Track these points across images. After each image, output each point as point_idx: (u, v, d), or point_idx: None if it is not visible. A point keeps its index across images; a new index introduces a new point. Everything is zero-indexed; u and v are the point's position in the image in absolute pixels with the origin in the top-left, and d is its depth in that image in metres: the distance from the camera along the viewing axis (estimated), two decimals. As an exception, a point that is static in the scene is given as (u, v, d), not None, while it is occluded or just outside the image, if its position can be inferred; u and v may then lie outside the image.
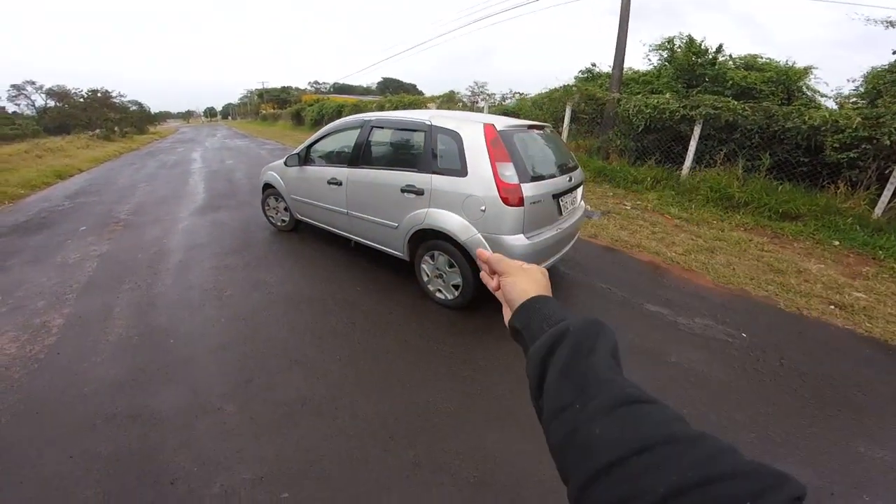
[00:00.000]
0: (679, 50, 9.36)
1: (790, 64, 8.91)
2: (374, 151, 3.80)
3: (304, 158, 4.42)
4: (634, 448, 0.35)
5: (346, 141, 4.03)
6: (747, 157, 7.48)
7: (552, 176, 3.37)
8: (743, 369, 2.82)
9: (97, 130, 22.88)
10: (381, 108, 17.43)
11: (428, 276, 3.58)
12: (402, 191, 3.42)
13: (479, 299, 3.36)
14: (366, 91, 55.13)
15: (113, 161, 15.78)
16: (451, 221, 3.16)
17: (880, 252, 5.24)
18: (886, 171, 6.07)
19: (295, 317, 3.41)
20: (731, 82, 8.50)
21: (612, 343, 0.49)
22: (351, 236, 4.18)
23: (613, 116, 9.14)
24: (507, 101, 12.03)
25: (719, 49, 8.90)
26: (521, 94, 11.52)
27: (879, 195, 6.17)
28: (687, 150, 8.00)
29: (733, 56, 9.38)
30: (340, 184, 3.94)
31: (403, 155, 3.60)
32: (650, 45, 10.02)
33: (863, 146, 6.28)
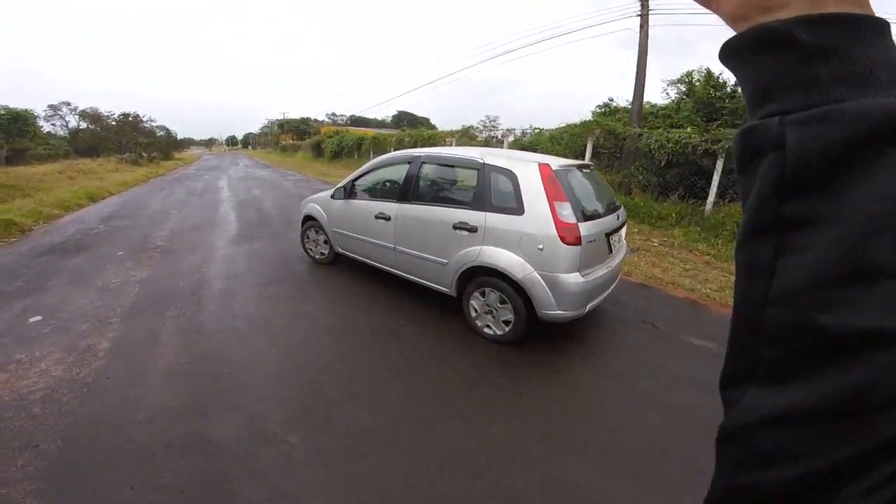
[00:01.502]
0: (698, 83, 9.48)
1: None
2: (424, 187, 3.80)
3: (349, 192, 4.43)
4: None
5: (395, 176, 4.05)
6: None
7: (602, 215, 3.37)
8: None
9: (126, 154, 23.47)
10: (401, 141, 17.80)
11: (476, 311, 3.51)
12: (455, 227, 3.41)
13: (528, 335, 3.31)
14: (381, 124, 56.61)
15: (142, 186, 16.11)
16: (507, 259, 3.14)
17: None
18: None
19: (345, 348, 3.32)
20: (752, 119, 8.50)
21: None
22: (396, 272, 4.13)
23: (634, 151, 9.20)
24: (525, 137, 12.23)
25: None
26: (538, 130, 11.68)
27: None
28: (710, 184, 7.96)
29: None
30: (389, 219, 3.93)
31: (455, 192, 3.62)
32: (668, 81, 10.20)
33: None
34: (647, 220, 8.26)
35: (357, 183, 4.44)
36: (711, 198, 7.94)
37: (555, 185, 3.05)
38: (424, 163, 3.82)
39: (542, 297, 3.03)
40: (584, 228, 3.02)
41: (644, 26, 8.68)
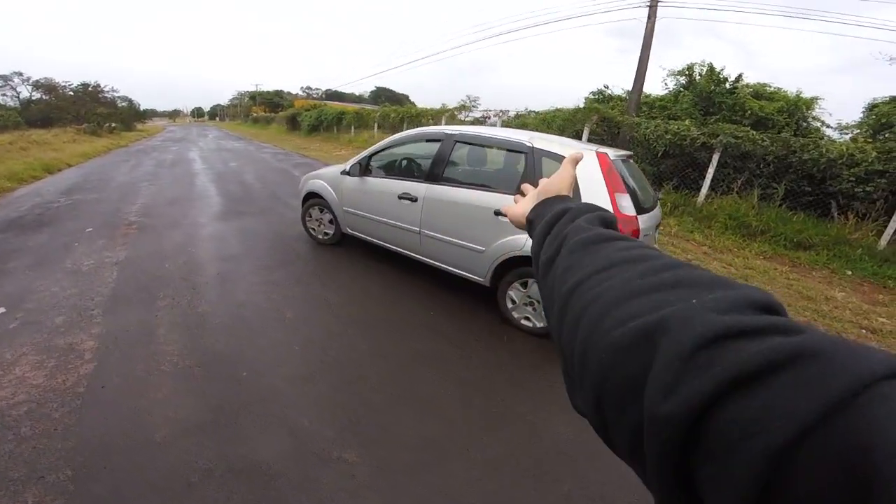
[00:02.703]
0: (700, 77, 9.32)
1: (798, 94, 8.97)
2: (460, 168, 3.42)
3: (365, 169, 3.91)
4: (598, 268, 0.34)
5: (422, 154, 3.60)
6: (760, 185, 7.47)
7: (651, 208, 3.17)
8: None
9: (84, 125, 21.34)
10: (386, 117, 16.94)
11: (514, 303, 3.19)
12: (497, 213, 3.05)
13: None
14: (358, 99, 54.07)
15: (102, 157, 14.65)
16: None
17: (889, 282, 5.36)
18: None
19: (377, 343, 2.91)
20: (749, 112, 8.49)
21: (610, 216, 0.48)
22: (419, 257, 3.70)
23: (629, 140, 9.01)
24: (511, 116, 11.80)
25: (738, 78, 8.92)
26: (532, 112, 11.28)
27: (885, 228, 6.23)
28: (703, 176, 7.91)
29: (748, 85, 9.40)
30: (415, 200, 3.48)
31: (497, 175, 3.27)
32: (669, 71, 9.99)
33: (877, 180, 6.32)
34: (644, 207, 8.14)
35: (374, 159, 3.93)
36: (704, 189, 7.89)
37: (614, 176, 2.82)
38: (459, 142, 3.39)
39: None
40: (642, 221, 2.85)
41: (651, 17, 8.36)
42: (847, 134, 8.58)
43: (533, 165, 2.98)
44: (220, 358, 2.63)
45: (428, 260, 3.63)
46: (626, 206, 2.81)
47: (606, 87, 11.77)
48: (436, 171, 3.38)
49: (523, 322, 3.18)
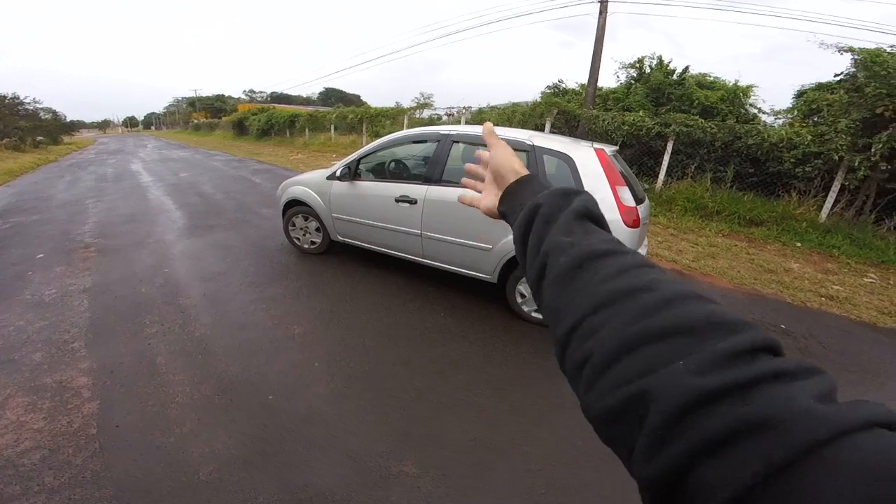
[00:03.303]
0: (650, 69, 9.79)
1: (736, 83, 9.65)
2: (458, 168, 3.37)
3: (354, 173, 3.79)
4: (588, 309, 0.34)
5: (417, 155, 3.53)
6: (711, 170, 8.02)
7: (643, 198, 3.38)
8: (800, 352, 3.15)
9: (5, 140, 19.17)
10: (344, 118, 16.51)
11: (524, 296, 3.25)
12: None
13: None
14: (306, 101, 52.12)
15: (32, 174, 13.24)
16: None
17: (834, 251, 5.99)
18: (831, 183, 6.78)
19: (397, 352, 2.85)
20: (696, 101, 9.04)
21: (581, 206, 0.44)
22: (420, 260, 3.65)
23: (587, 132, 9.35)
24: (474, 111, 11.90)
25: (685, 70, 9.45)
26: (493, 108, 11.41)
27: (823, 202, 6.91)
28: (660, 163, 8.37)
29: (692, 76, 9.98)
30: (414, 202, 3.42)
31: None
32: (620, 63, 10.41)
33: (814, 161, 6.94)
34: (610, 194, 8.48)
35: (363, 162, 3.81)
36: (662, 176, 8.36)
37: (612, 170, 2.95)
38: (456, 142, 3.37)
39: None
40: (641, 211, 3.01)
41: (603, 13, 8.67)
42: (780, 119, 9.35)
43: (535, 163, 3.03)
44: (238, 383, 2.46)
45: (430, 262, 3.59)
46: (627, 198, 2.95)
47: (561, 82, 12.16)
48: (435, 173, 3.34)
49: (534, 314, 3.23)
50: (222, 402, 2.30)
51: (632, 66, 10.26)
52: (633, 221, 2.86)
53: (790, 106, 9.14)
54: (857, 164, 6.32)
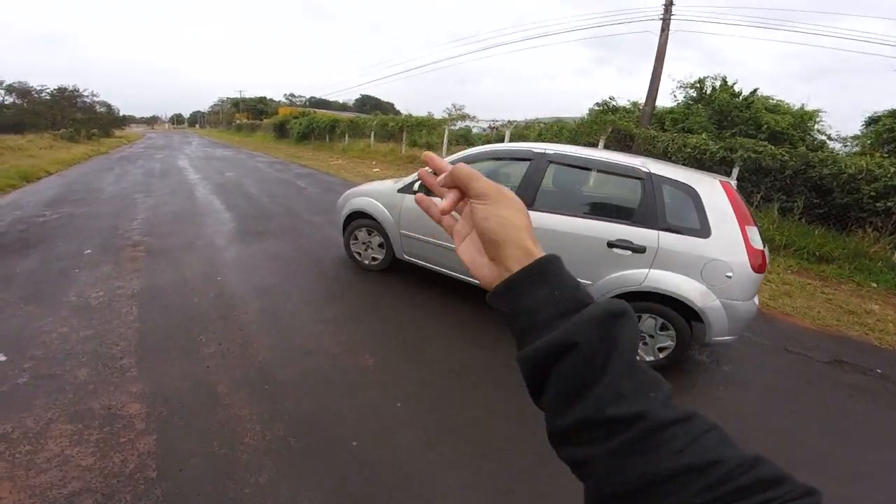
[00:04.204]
0: (712, 90, 9.21)
1: (803, 107, 8.97)
2: (557, 192, 3.03)
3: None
4: (649, 481, 0.31)
5: (506, 174, 3.14)
6: (776, 199, 7.37)
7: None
8: None
9: (61, 130, 19.87)
10: (384, 126, 16.39)
11: None
12: (611, 245, 2.67)
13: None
14: (343, 107, 52.73)
15: (83, 164, 13.56)
16: (687, 286, 2.54)
17: None
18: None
19: (482, 395, 2.44)
20: (765, 126, 8.42)
21: (634, 343, 0.35)
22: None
23: (643, 153, 8.83)
24: (522, 125, 11.52)
25: (754, 92, 8.84)
26: (538, 120, 11.00)
27: None
28: (723, 190, 7.77)
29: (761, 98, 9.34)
30: (501, 226, 3.00)
31: (605, 203, 2.95)
32: (679, 83, 9.88)
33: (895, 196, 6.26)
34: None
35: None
36: (725, 202, 7.74)
37: (740, 207, 2.59)
38: (553, 162, 2.97)
39: (719, 324, 2.55)
40: (767, 253, 2.65)
41: (665, 30, 8.19)
42: (849, 146, 8.63)
43: (653, 194, 2.63)
44: (314, 424, 2.07)
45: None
46: (756, 239, 2.57)
47: (612, 99, 11.63)
48: (527, 195, 2.92)
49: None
50: (300, 447, 1.91)
51: (691, 85, 9.69)
52: (759, 266, 2.51)
53: (860, 133, 8.42)
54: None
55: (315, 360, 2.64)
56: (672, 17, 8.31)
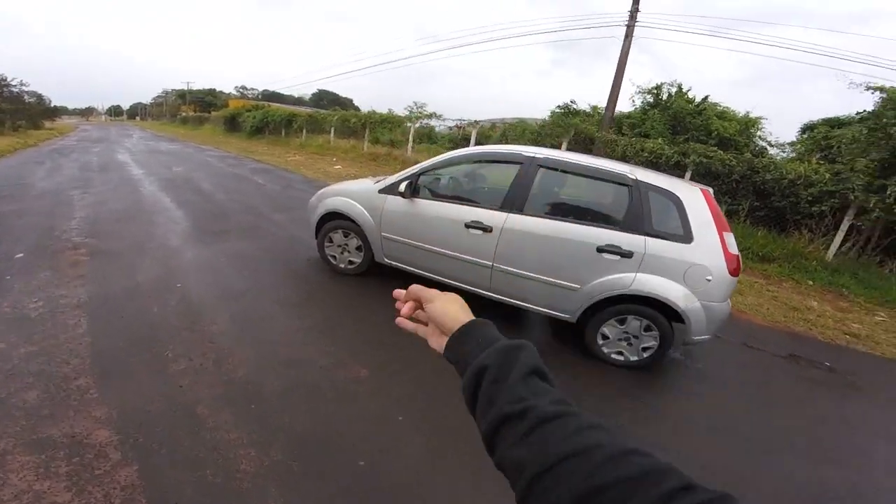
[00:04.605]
0: (668, 96, 9.68)
1: (748, 114, 9.65)
2: (546, 197, 3.06)
3: (414, 189, 3.29)
4: (546, 467, 0.37)
5: (496, 177, 3.11)
6: (723, 202, 7.90)
7: None
8: (848, 388, 3.28)
9: (-19, 122, 17.58)
10: (345, 121, 15.88)
11: (606, 338, 2.94)
12: (600, 250, 2.73)
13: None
14: (298, 101, 50.40)
15: (8, 158, 12.00)
16: (671, 289, 2.67)
17: (844, 289, 5.89)
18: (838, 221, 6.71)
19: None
20: (715, 132, 8.99)
21: (530, 364, 0.48)
22: (482, 292, 3.19)
23: (603, 156, 9.16)
24: (486, 126, 11.58)
25: (705, 99, 9.39)
26: (502, 120, 11.12)
27: (832, 240, 6.85)
28: (675, 193, 8.22)
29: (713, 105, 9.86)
30: (489, 230, 2.97)
31: (594, 208, 3.04)
32: (637, 88, 10.30)
33: (829, 200, 6.88)
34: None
35: (424, 178, 3.32)
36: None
37: (718, 214, 2.78)
38: (543, 166, 2.98)
39: (699, 325, 2.70)
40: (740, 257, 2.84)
41: (629, 36, 8.51)
42: (783, 152, 9.40)
43: (640, 200, 2.72)
44: (314, 444, 1.91)
45: (496, 295, 3.14)
46: (732, 244, 2.72)
47: (573, 102, 11.99)
48: (517, 199, 2.92)
49: (614, 356, 2.96)
50: (304, 471, 1.76)
51: (649, 91, 10.18)
52: (734, 269, 2.67)
53: (796, 139, 9.21)
54: (872, 204, 6.25)
55: (302, 373, 2.46)
56: (636, 23, 8.66)
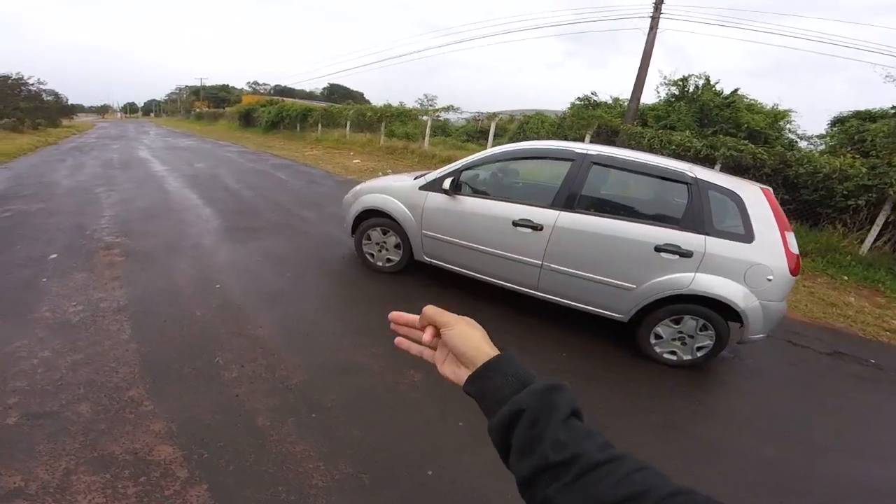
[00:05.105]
0: (696, 89, 9.35)
1: (776, 107, 9.30)
2: (599, 195, 2.92)
3: (456, 185, 3.15)
4: None
5: (545, 174, 2.98)
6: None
7: None
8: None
9: (3, 120, 17.72)
10: (362, 115, 15.69)
11: (658, 338, 2.84)
12: (658, 250, 2.61)
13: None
14: (309, 96, 50.10)
15: (30, 156, 12.07)
16: (732, 289, 2.57)
17: (879, 285, 5.67)
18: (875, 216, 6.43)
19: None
20: (745, 125, 8.66)
21: (569, 407, 0.45)
22: (529, 291, 3.06)
23: (628, 148, 8.90)
24: (490, 118, 11.33)
25: (734, 92, 9.05)
26: (520, 112, 10.86)
27: (867, 234, 6.57)
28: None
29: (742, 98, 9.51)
30: (539, 229, 2.83)
31: (650, 206, 2.91)
32: (663, 80, 9.97)
33: (866, 194, 6.59)
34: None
35: (467, 174, 3.18)
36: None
37: (780, 213, 2.64)
38: (596, 163, 2.84)
39: (756, 324, 2.61)
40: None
41: (653, 28, 8.18)
42: (814, 145, 9.03)
43: (699, 199, 2.59)
44: (378, 454, 1.83)
45: (545, 295, 3.02)
46: (793, 244, 2.63)
47: (594, 94, 11.67)
48: (569, 196, 2.77)
49: (666, 356, 2.85)
50: (374, 483, 1.67)
51: (675, 83, 9.83)
52: (795, 269, 2.59)
53: (825, 132, 8.84)
54: (910, 199, 5.98)
55: (357, 380, 2.35)
56: (661, 15, 8.33)
